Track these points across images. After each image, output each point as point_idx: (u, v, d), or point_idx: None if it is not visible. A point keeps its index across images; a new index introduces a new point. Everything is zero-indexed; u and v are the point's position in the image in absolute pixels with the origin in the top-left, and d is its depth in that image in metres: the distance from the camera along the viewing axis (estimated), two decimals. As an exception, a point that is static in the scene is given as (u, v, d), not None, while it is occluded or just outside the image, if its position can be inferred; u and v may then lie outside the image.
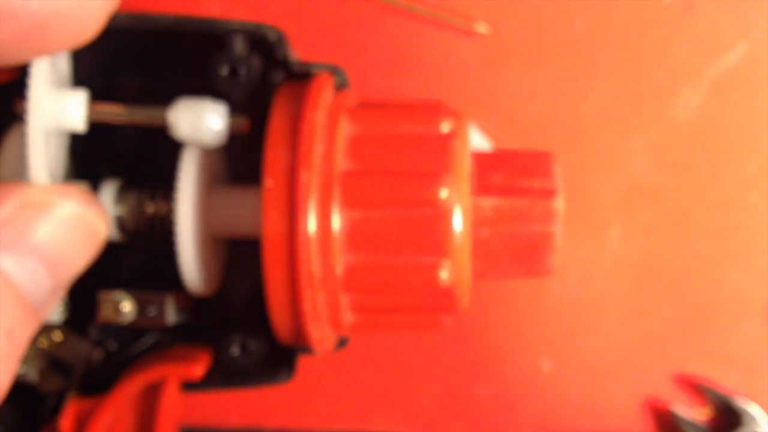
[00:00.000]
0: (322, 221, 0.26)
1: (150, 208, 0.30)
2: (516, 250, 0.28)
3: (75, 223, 0.25)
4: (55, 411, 0.31)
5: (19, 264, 0.23)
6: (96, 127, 0.28)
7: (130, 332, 0.33)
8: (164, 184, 0.30)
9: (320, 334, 0.27)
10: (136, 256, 0.33)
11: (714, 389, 0.39)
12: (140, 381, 0.30)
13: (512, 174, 0.28)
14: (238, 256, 0.33)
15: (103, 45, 0.28)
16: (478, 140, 0.39)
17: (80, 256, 0.25)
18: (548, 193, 0.28)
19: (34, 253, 0.23)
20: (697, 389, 0.40)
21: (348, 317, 0.28)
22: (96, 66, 0.32)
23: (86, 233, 0.25)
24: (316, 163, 0.26)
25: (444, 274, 0.26)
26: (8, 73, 0.28)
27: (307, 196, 0.25)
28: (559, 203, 0.28)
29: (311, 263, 0.25)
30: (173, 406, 0.31)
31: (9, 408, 0.31)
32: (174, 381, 0.30)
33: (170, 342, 0.33)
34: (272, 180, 0.26)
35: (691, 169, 0.39)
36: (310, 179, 0.25)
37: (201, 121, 0.28)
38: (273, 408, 0.40)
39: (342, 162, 0.27)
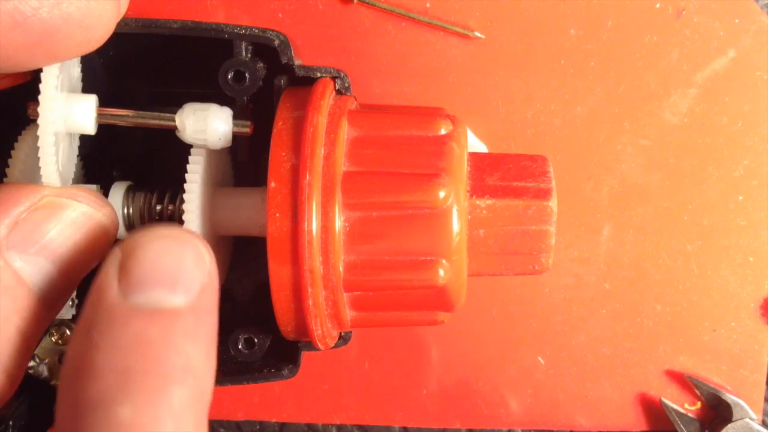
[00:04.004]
0: (324, 221, 0.26)
1: (158, 208, 0.30)
2: (511, 249, 0.28)
3: (85, 224, 0.25)
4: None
5: (31, 263, 0.24)
6: (106, 130, 0.28)
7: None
8: (172, 185, 0.30)
9: (322, 331, 0.28)
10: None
11: (705, 383, 0.40)
12: (147, 376, 0.31)
13: (508, 175, 0.29)
14: (242, 254, 0.34)
15: (112, 50, 0.29)
16: (473, 143, 0.39)
17: (90, 255, 0.25)
18: (543, 194, 0.28)
19: (45, 253, 0.24)
20: (688, 384, 0.40)
21: (348, 314, 0.28)
22: (105, 71, 0.32)
23: (96, 233, 0.26)
24: (318, 165, 0.26)
25: (441, 273, 0.27)
26: (20, 77, 0.28)
27: (309, 197, 0.26)
28: (554, 204, 0.28)
29: (314, 261, 0.26)
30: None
31: (21, 402, 0.31)
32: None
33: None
34: (276, 181, 0.26)
35: (681, 170, 0.39)
36: (313, 181, 0.26)
37: (207, 125, 0.28)
38: (276, 402, 0.40)
39: (343, 164, 0.27)
